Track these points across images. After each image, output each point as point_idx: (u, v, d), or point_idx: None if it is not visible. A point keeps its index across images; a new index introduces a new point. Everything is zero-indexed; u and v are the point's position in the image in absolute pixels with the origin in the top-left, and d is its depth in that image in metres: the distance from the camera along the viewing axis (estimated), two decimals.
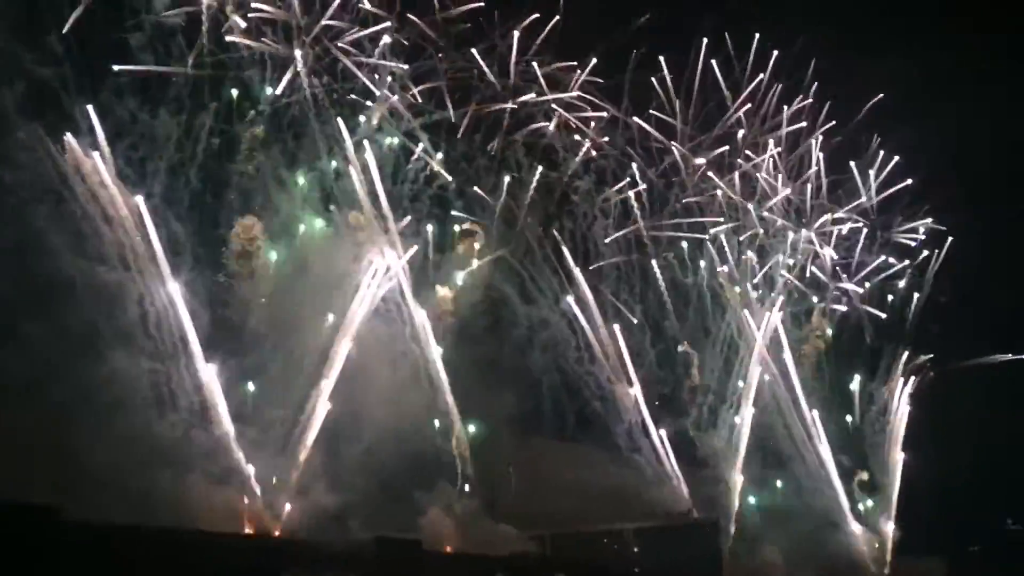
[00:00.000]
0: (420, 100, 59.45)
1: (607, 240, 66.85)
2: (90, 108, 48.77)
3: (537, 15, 61.10)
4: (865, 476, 75.73)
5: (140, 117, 51.15)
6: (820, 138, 72.79)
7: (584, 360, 64.37)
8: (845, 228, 74.77)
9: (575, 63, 63.39)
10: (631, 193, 67.33)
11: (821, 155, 73.00)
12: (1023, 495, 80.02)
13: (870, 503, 75.64)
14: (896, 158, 74.07)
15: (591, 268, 66.06)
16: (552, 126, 63.78)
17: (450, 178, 60.46)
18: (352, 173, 56.07)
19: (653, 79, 67.11)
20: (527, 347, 62.84)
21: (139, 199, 49.47)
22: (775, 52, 69.43)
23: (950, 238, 76.62)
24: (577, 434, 64.38)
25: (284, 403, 52.26)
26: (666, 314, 68.90)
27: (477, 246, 61.75)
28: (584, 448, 64.21)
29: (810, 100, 71.85)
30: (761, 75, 69.97)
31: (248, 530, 50.18)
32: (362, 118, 57.91)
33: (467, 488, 57.70)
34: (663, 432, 66.25)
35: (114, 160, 49.43)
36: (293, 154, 56.26)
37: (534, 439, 62.41)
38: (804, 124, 72.25)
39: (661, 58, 66.76)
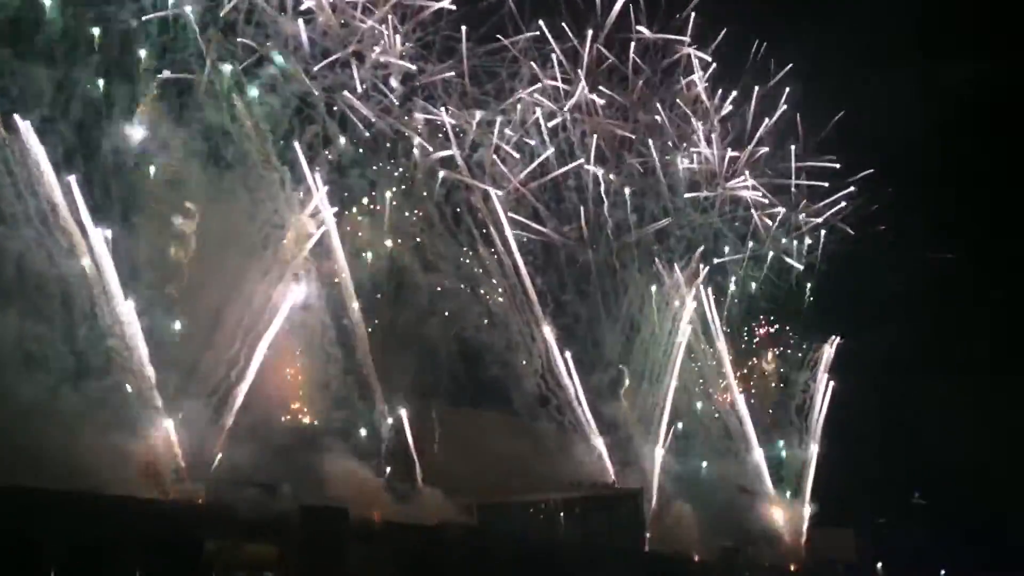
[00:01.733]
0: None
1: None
2: None
3: None
4: (783, 449, 77.18)
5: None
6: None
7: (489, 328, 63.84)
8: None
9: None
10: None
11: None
12: (930, 471, 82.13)
13: (787, 476, 77.17)
14: None
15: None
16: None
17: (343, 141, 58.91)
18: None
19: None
20: (432, 316, 61.89)
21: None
22: None
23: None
24: (489, 402, 63.91)
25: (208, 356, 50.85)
26: (566, 289, 68.38)
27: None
28: (502, 416, 64.01)
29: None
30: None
31: (170, 495, 48.90)
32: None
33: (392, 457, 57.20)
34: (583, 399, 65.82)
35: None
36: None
37: (448, 407, 62.12)
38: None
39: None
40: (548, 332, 63.68)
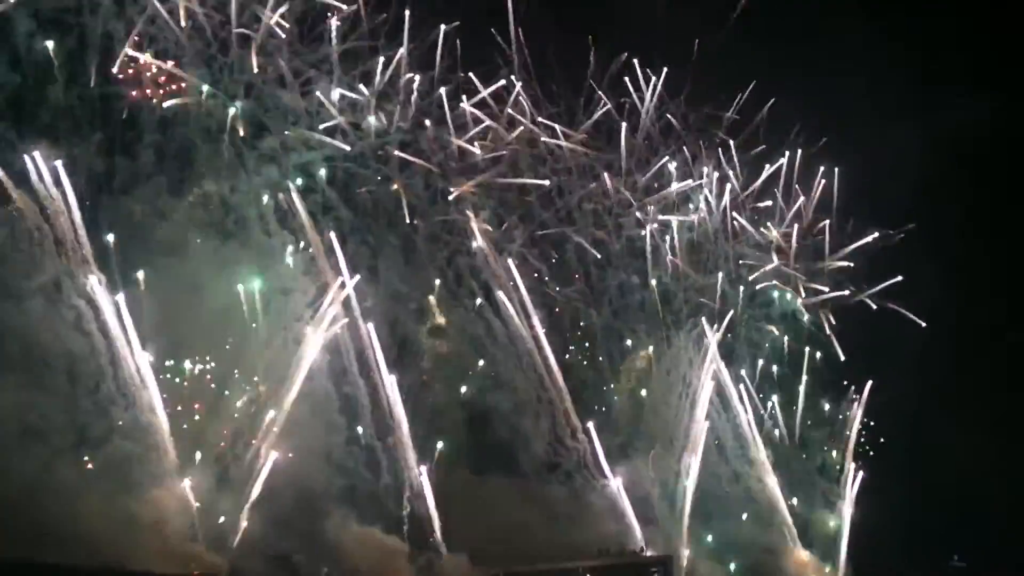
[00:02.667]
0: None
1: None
2: None
3: None
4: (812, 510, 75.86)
5: None
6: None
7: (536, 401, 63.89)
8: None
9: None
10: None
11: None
12: (970, 533, 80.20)
13: (821, 535, 75.61)
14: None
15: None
16: None
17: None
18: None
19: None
20: (439, 381, 62.35)
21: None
22: None
23: None
24: (498, 467, 63.35)
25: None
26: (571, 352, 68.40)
27: None
28: (516, 481, 63.41)
29: None
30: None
31: (196, 571, 48.72)
32: None
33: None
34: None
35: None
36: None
37: (480, 475, 61.91)
38: None
39: None
40: (565, 393, 63.79)
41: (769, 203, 74.24)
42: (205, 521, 49.72)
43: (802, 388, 76.56)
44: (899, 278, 75.04)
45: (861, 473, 75.72)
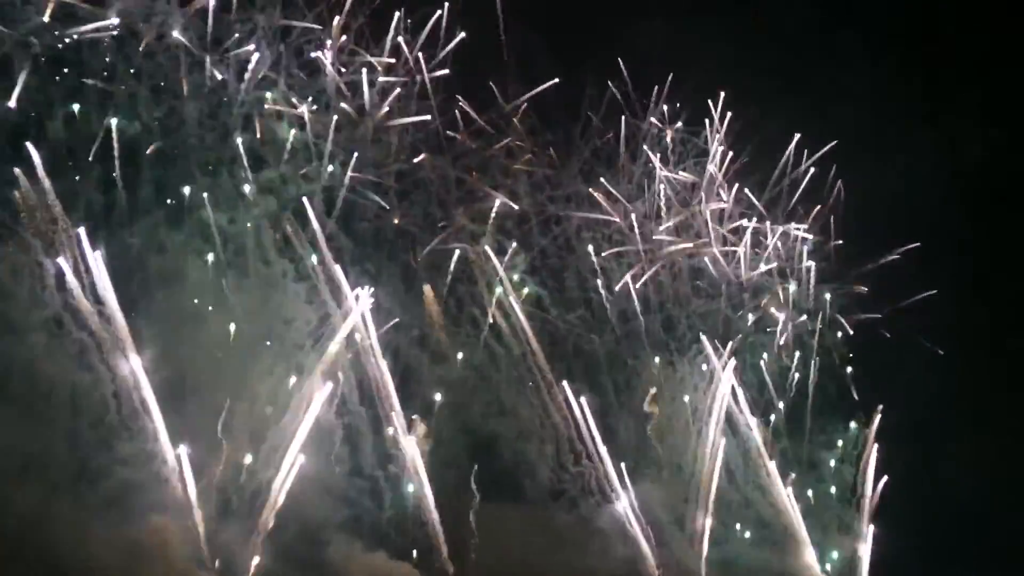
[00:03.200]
0: None
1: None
2: None
3: None
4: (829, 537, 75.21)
5: None
6: None
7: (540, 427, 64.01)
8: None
9: None
10: None
11: None
12: (993, 557, 79.21)
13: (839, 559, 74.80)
14: None
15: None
16: None
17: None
18: None
19: None
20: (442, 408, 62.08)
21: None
22: None
23: None
24: (500, 494, 62.88)
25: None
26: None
27: None
28: (523, 508, 63.24)
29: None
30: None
31: None
32: None
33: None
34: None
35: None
36: None
37: (488, 502, 61.53)
38: None
39: None
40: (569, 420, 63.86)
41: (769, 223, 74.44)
42: (214, 551, 49.96)
43: (809, 412, 76.73)
44: (924, 294, 74.67)
45: (877, 496, 75.24)
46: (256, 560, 51.48)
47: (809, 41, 73.36)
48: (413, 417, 58.12)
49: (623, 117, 69.49)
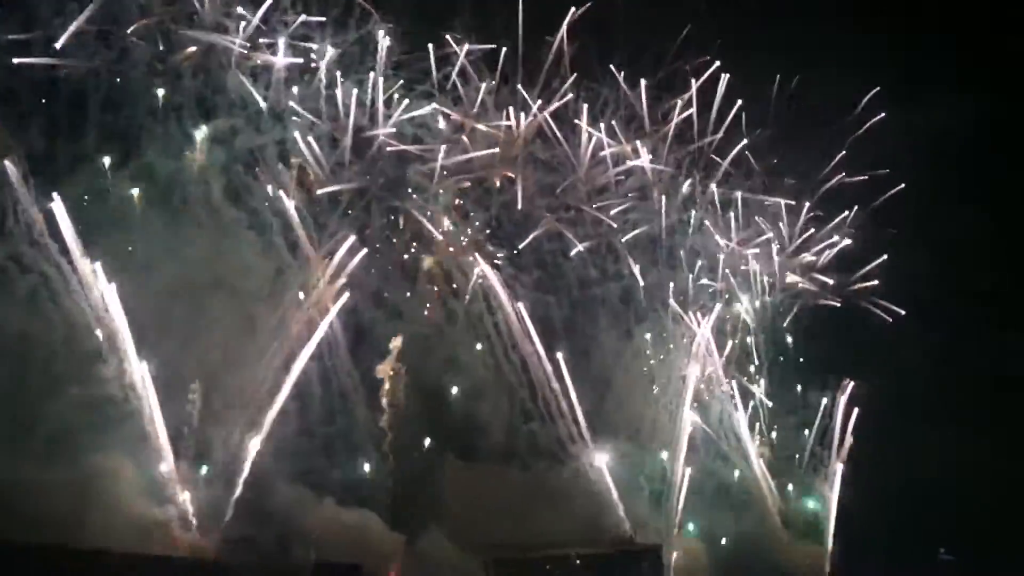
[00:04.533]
0: None
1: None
2: None
3: None
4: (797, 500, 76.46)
5: None
6: None
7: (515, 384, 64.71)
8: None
9: None
10: None
11: None
12: (959, 525, 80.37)
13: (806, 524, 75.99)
14: None
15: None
16: None
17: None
18: None
19: None
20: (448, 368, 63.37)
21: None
22: None
23: None
24: (478, 452, 63.94)
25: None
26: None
27: None
28: (515, 469, 63.94)
29: None
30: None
31: (183, 552, 48.85)
32: None
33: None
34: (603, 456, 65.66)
35: None
36: None
37: (465, 460, 62.43)
38: None
39: None
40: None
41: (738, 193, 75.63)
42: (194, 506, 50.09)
43: (778, 381, 78.02)
44: (880, 260, 76.73)
45: (843, 464, 76.37)
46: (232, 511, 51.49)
47: None
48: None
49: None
